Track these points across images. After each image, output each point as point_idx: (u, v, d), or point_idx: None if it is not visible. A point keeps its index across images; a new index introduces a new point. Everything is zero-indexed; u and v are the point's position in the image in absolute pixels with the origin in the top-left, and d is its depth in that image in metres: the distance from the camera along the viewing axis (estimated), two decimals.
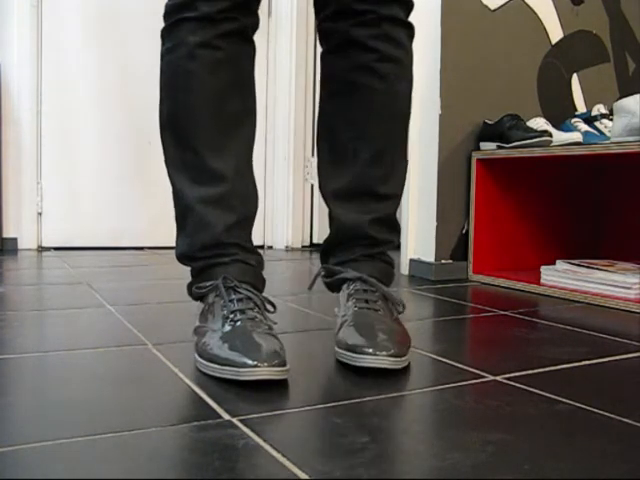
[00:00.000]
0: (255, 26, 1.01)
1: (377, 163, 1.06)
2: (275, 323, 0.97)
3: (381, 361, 0.89)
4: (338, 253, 1.10)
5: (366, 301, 1.01)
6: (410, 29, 1.06)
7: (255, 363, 0.83)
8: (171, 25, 0.98)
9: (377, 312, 0.99)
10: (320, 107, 1.12)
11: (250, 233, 1.05)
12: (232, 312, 0.93)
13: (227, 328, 0.91)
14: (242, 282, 0.97)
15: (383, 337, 0.92)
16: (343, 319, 0.99)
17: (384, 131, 1.06)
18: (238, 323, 0.91)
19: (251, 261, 1.02)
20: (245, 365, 0.84)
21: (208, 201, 1.00)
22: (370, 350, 0.89)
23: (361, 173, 1.06)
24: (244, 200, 1.03)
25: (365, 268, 1.06)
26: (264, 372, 0.83)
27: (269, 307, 0.99)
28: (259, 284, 1.02)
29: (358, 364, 0.90)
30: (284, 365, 0.86)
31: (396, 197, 1.11)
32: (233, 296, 0.95)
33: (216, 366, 0.87)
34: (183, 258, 1.06)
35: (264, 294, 1.01)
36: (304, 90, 2.99)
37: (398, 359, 0.91)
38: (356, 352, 0.90)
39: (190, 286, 1.05)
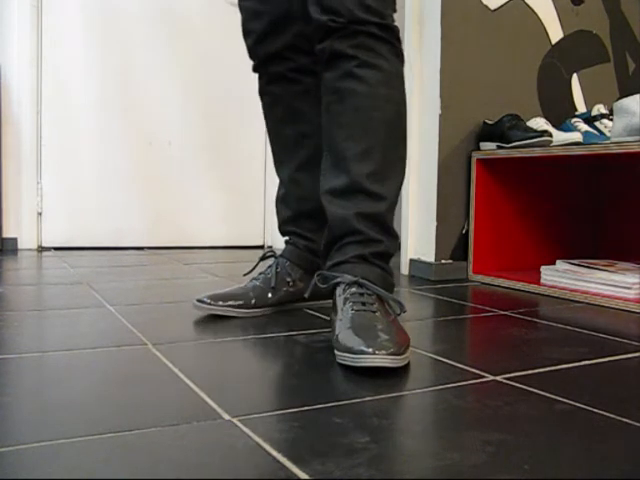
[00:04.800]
0: (298, 68, 1.30)
1: (364, 160, 1.09)
2: (289, 281, 1.33)
3: (381, 360, 0.89)
4: (333, 254, 1.13)
5: (363, 303, 1.02)
6: (391, 45, 1.10)
7: (209, 301, 1.27)
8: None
9: (374, 313, 1.00)
10: (321, 121, 1.18)
11: (312, 222, 1.34)
12: (260, 273, 1.35)
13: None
14: (286, 258, 1.35)
15: (382, 337, 0.93)
16: (340, 322, 1.00)
17: (369, 132, 1.09)
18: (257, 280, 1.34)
19: (299, 245, 1.36)
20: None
21: (277, 198, 1.41)
22: (369, 350, 0.90)
23: (350, 171, 1.09)
24: (299, 200, 1.36)
25: (359, 271, 1.07)
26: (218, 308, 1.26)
27: (289, 276, 1.33)
28: (302, 262, 1.35)
29: (358, 364, 0.90)
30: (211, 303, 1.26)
31: (386, 198, 1.11)
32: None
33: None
34: None
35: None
36: None
37: (397, 357, 0.91)
38: (355, 353, 0.90)
39: None
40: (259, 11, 1.27)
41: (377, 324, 0.97)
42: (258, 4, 1.27)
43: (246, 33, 1.31)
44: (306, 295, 1.21)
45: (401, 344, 0.94)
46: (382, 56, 1.09)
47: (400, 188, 1.16)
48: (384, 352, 0.89)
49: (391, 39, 1.10)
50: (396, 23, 1.12)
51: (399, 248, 2.03)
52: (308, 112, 1.32)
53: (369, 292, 1.03)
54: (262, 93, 1.37)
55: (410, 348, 0.98)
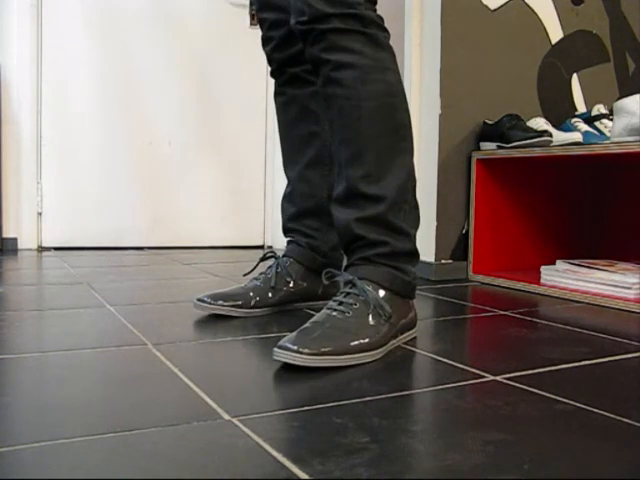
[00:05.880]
0: (307, 70, 1.30)
1: (356, 163, 1.07)
2: (289, 281, 1.34)
3: (287, 355, 0.91)
4: (347, 257, 1.14)
5: (340, 303, 1.02)
6: (363, 35, 1.06)
7: (210, 301, 1.27)
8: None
9: (344, 314, 1.00)
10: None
11: (315, 220, 1.36)
12: (261, 273, 1.36)
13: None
14: (288, 257, 1.36)
15: (312, 335, 0.95)
16: None
17: (357, 133, 1.07)
18: (257, 280, 1.35)
19: (301, 242, 1.36)
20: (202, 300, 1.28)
21: (283, 196, 1.42)
22: (294, 347, 0.91)
23: (347, 176, 1.08)
24: (304, 197, 1.37)
25: (363, 272, 1.06)
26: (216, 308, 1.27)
27: (289, 276, 1.34)
28: (304, 259, 1.35)
29: (274, 357, 0.93)
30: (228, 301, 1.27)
31: (384, 198, 1.07)
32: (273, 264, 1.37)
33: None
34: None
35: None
36: None
37: (309, 357, 0.91)
38: (279, 347, 0.93)
39: None
40: (279, 20, 1.30)
41: (325, 322, 0.98)
42: (278, 14, 1.30)
43: (266, 41, 1.36)
44: (319, 292, 1.36)
45: (330, 346, 0.93)
46: (355, 52, 1.05)
47: (404, 182, 1.09)
48: (296, 348, 0.91)
49: (362, 28, 1.05)
50: (375, 12, 1.08)
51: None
52: (318, 112, 1.35)
53: (356, 292, 1.03)
54: (277, 94, 1.41)
55: (350, 356, 0.95)
